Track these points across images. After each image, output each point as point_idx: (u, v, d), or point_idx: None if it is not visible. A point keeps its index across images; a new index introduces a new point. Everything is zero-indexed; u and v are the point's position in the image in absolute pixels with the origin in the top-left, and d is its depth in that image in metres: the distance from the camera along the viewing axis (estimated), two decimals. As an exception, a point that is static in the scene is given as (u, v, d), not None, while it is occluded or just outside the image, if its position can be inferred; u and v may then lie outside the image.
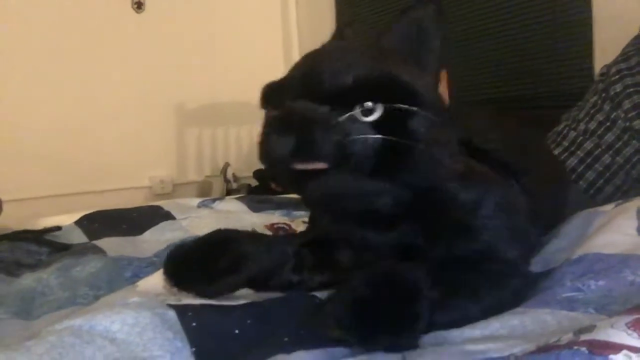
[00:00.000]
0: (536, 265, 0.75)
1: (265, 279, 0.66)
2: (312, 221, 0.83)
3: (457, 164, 0.63)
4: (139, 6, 2.81)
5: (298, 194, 0.65)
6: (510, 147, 0.78)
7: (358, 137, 0.55)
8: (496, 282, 0.63)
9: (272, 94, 0.61)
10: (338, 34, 0.70)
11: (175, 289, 0.64)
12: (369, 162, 0.56)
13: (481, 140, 0.77)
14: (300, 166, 0.56)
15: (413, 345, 0.53)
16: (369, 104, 0.56)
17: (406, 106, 0.56)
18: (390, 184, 0.59)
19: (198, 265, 0.64)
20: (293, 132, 0.54)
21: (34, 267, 0.84)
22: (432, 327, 0.56)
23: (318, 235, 0.72)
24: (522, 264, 0.68)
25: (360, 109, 0.56)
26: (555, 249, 0.76)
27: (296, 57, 3.09)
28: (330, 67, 0.57)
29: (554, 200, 0.87)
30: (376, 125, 0.56)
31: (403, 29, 0.61)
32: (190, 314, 0.56)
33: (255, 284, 0.66)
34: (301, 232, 0.78)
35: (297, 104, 0.56)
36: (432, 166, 0.59)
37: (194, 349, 0.52)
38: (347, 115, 0.55)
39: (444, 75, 2.09)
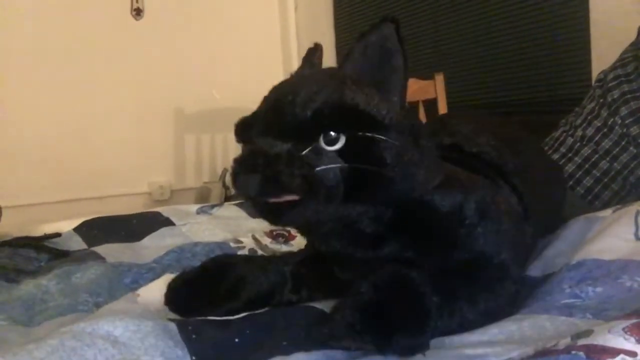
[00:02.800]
0: (536, 270, 0.75)
1: (265, 301, 0.68)
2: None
3: (435, 176, 0.64)
4: (138, 13, 2.82)
5: (275, 224, 0.67)
6: (500, 149, 0.78)
7: (322, 167, 0.56)
8: (490, 288, 0.63)
9: (242, 130, 0.63)
10: (307, 60, 0.72)
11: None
12: (339, 189, 0.57)
13: (470, 144, 0.77)
14: (272, 199, 0.57)
15: (426, 346, 0.54)
16: (332, 134, 0.57)
17: (367, 133, 0.58)
18: (363, 207, 0.60)
19: (198, 292, 0.67)
20: (258, 171, 0.56)
21: (33, 273, 0.84)
22: (432, 333, 0.56)
23: (313, 253, 0.72)
24: (515, 267, 0.68)
25: (325, 139, 0.57)
26: (554, 254, 0.76)
27: (295, 63, 3.12)
28: (290, 101, 0.59)
29: (550, 200, 0.87)
30: (341, 154, 0.57)
31: (366, 52, 0.62)
32: (190, 327, 0.57)
33: (255, 307, 0.67)
34: (297, 251, 0.79)
35: (261, 141, 0.59)
36: (404, 185, 0.60)
37: (194, 358, 0.53)
38: (310, 147, 0.57)
39: (440, 80, 2.07)
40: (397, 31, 0.61)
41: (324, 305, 0.64)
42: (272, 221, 0.63)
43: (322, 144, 0.57)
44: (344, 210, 0.59)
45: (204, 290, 0.67)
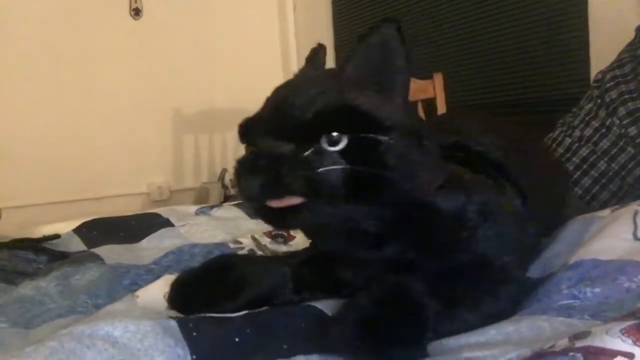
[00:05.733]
0: (535, 271, 0.75)
1: (266, 302, 0.67)
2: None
3: (437, 177, 0.64)
4: (136, 13, 2.82)
5: (278, 229, 0.67)
6: (505, 149, 0.78)
7: (324, 168, 0.57)
8: (491, 290, 0.64)
9: (245, 131, 0.63)
10: (311, 60, 0.71)
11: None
12: (341, 190, 0.57)
13: (474, 142, 0.77)
14: (274, 204, 0.57)
15: (423, 355, 0.54)
16: (334, 135, 0.57)
17: (368, 135, 0.58)
18: (366, 208, 0.60)
19: (199, 292, 0.67)
20: (260, 172, 0.57)
21: (32, 275, 0.84)
22: (434, 337, 0.57)
23: (316, 252, 0.73)
24: (516, 269, 0.68)
25: (327, 140, 0.57)
26: (553, 255, 0.76)
27: (294, 63, 3.13)
28: (292, 102, 0.59)
29: (553, 200, 0.87)
30: (343, 155, 0.57)
31: (368, 53, 0.61)
32: (191, 325, 0.57)
33: (255, 308, 0.66)
34: (299, 251, 0.79)
35: (263, 142, 0.59)
36: (406, 186, 0.60)
37: (194, 357, 0.53)
38: (312, 149, 0.57)
39: (439, 79, 2.09)
40: (399, 31, 0.60)
41: (324, 305, 0.64)
42: (275, 226, 0.63)
43: (324, 145, 0.57)
44: (347, 211, 0.59)
45: (204, 290, 0.67)
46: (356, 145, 0.57)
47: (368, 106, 0.59)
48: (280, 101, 0.61)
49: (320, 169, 0.57)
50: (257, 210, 0.61)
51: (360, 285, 0.64)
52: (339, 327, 0.55)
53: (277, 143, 0.58)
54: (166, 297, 0.68)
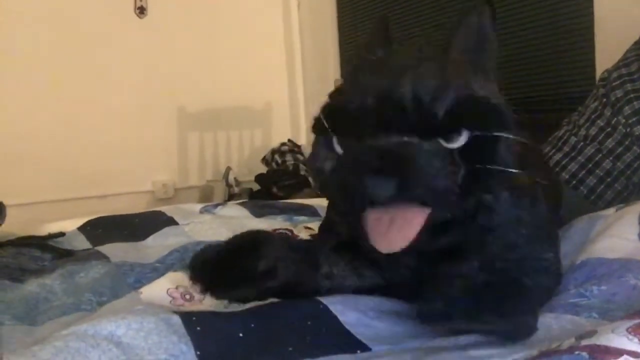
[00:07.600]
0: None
1: (296, 285, 0.64)
2: (327, 227, 0.80)
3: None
4: (141, 11, 2.83)
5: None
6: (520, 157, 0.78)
7: (450, 170, 0.52)
8: (534, 284, 0.63)
9: (345, 121, 0.55)
10: (382, 36, 0.65)
11: (201, 295, 0.62)
12: (454, 194, 0.53)
13: None
14: (401, 215, 0.52)
15: (534, 329, 0.53)
16: (456, 131, 0.53)
17: (493, 131, 0.54)
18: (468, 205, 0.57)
19: (231, 269, 0.62)
20: (393, 173, 0.50)
21: (37, 273, 0.84)
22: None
23: (346, 239, 0.69)
24: (556, 264, 0.69)
25: (446, 137, 0.53)
26: (561, 255, 0.76)
27: (298, 62, 3.13)
28: (411, 90, 0.53)
29: (553, 207, 0.87)
30: (461, 153, 0.53)
31: (464, 37, 0.59)
32: (194, 318, 0.56)
33: (289, 290, 0.63)
34: (321, 238, 0.76)
35: (381, 139, 0.52)
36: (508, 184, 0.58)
37: (198, 353, 0.53)
38: (438, 148, 0.52)
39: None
40: (493, 13, 0.58)
41: (330, 302, 0.64)
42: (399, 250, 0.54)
43: (443, 141, 0.53)
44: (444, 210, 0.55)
45: (236, 266, 0.61)
46: (477, 142, 0.53)
47: (495, 100, 0.56)
48: (395, 87, 0.53)
49: (446, 171, 0.52)
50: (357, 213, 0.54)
51: (389, 276, 0.64)
52: (447, 298, 0.52)
53: (399, 139, 0.52)
54: (190, 275, 0.64)
